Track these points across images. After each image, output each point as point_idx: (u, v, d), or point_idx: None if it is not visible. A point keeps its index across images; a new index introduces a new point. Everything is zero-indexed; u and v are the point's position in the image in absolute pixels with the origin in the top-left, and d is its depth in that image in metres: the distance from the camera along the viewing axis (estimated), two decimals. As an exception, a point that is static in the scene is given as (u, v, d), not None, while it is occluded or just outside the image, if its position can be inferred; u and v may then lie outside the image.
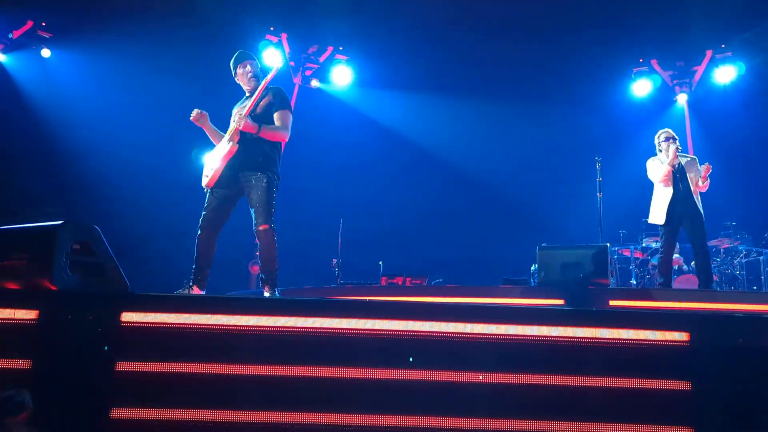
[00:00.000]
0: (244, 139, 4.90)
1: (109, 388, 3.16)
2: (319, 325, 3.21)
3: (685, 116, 11.93)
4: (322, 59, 12.12)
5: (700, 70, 11.79)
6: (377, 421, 3.06)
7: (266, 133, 4.93)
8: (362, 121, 12.33)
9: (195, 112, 5.12)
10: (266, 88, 5.05)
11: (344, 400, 3.11)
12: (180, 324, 3.22)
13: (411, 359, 3.17)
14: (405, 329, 3.20)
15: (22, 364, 3.17)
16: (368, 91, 12.30)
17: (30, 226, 3.56)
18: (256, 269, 11.48)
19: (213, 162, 4.98)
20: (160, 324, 3.23)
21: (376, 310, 3.30)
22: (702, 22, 10.79)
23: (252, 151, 4.91)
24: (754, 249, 9.86)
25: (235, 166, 4.91)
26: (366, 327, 3.20)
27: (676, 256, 9.02)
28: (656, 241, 9.73)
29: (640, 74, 12.04)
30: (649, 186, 7.20)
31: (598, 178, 8.04)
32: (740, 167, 10.79)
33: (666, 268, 7.03)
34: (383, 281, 8.31)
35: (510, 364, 3.15)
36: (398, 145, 12.24)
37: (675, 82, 12.00)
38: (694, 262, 9.30)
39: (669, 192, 6.83)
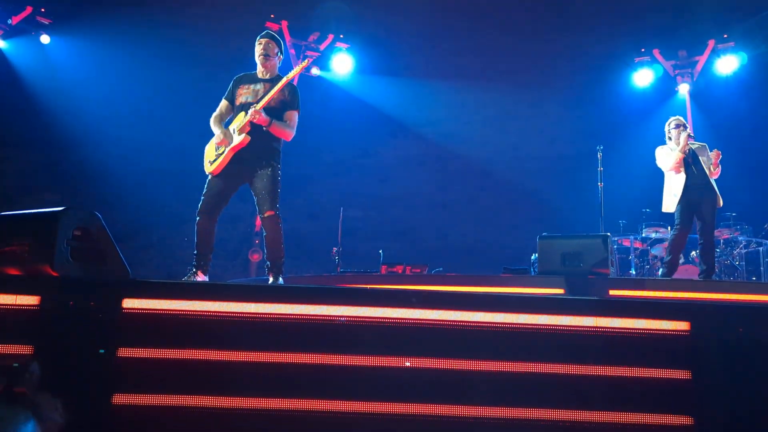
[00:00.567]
0: (252, 130, 4.92)
1: (111, 374, 3.16)
2: (320, 313, 3.22)
3: (687, 106, 11.91)
4: (322, 47, 12.09)
5: (702, 60, 11.77)
6: (378, 409, 3.08)
7: (275, 129, 4.96)
8: (362, 110, 12.32)
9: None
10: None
11: (346, 387, 3.12)
12: (182, 311, 3.22)
13: (411, 346, 3.18)
14: (406, 317, 3.21)
15: (23, 350, 3.17)
16: (369, 79, 12.27)
17: (31, 212, 3.55)
18: (256, 257, 11.55)
19: (219, 149, 4.98)
20: (162, 311, 3.23)
21: (378, 298, 3.30)
22: (704, 11, 10.76)
23: (258, 142, 4.94)
24: (753, 240, 9.89)
25: (241, 156, 4.93)
26: (368, 315, 3.21)
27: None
28: (656, 232, 9.76)
29: (642, 64, 12.02)
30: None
31: (599, 168, 8.04)
32: (741, 158, 10.78)
33: (675, 247, 6.88)
34: (383, 270, 8.31)
35: (510, 352, 3.16)
36: (399, 134, 12.24)
37: (677, 72, 11.98)
38: (693, 252, 9.34)
39: (682, 178, 6.75)
